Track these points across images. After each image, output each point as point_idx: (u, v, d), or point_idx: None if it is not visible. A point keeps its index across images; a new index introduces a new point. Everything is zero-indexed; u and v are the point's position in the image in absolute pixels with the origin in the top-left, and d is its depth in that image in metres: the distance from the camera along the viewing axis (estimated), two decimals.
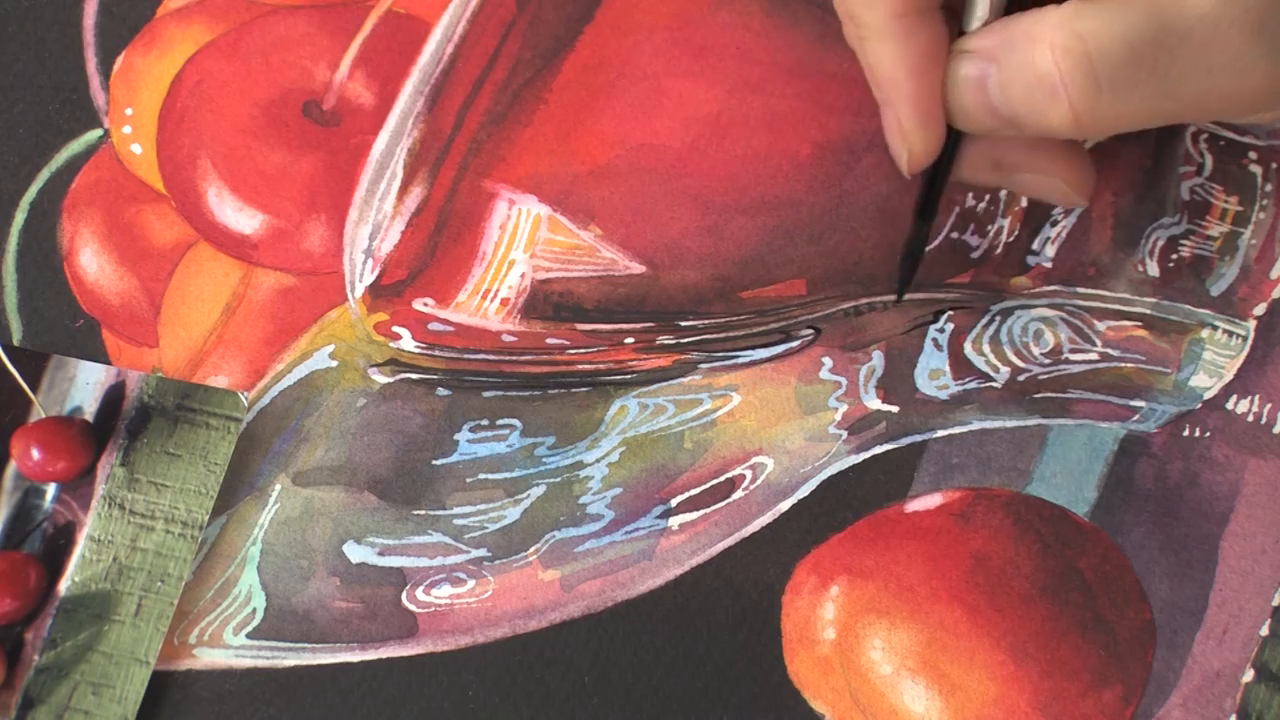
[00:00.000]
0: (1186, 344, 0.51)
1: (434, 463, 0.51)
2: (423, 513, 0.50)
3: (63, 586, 0.50)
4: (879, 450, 0.50)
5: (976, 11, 0.44)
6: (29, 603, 0.50)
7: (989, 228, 0.52)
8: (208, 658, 0.50)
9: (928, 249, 0.51)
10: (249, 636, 0.50)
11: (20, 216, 0.54)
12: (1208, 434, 0.50)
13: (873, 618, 0.49)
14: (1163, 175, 0.51)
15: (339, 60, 0.55)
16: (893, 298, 0.51)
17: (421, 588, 0.50)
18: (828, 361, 0.51)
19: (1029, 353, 0.51)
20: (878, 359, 0.51)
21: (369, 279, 0.52)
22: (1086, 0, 0.41)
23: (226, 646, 0.50)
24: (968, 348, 0.51)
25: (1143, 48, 0.40)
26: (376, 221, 0.53)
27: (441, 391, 0.51)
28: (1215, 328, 0.51)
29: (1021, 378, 0.51)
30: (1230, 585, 0.49)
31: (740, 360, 0.51)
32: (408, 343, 0.52)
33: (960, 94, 0.44)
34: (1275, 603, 0.48)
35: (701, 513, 0.50)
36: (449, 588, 0.50)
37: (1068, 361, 0.51)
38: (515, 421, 0.51)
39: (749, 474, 0.50)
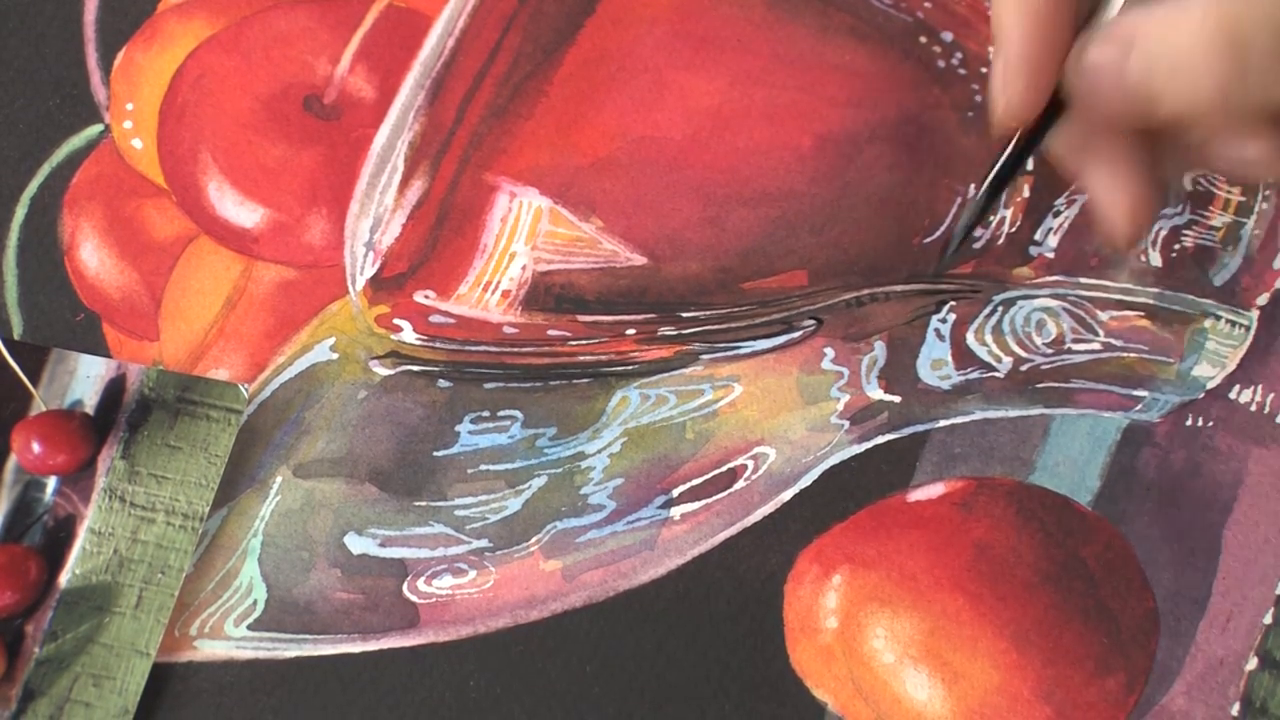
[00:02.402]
0: (1189, 334, 0.51)
1: (435, 454, 0.51)
2: (424, 504, 0.50)
3: (63, 579, 0.50)
4: (881, 440, 0.50)
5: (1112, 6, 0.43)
6: (29, 595, 0.50)
7: (991, 218, 0.52)
8: (209, 649, 0.50)
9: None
10: (250, 628, 0.50)
11: (21, 211, 0.54)
12: (1210, 423, 0.50)
13: (875, 607, 0.48)
14: None
15: (340, 54, 0.55)
16: (895, 288, 0.51)
17: (423, 578, 0.50)
18: (830, 352, 0.51)
19: (1032, 343, 0.51)
20: (880, 349, 0.51)
21: (370, 272, 0.52)
22: None
23: (227, 638, 0.50)
24: (970, 338, 0.51)
25: None
26: (377, 215, 0.53)
27: (443, 383, 0.51)
28: (1218, 317, 0.51)
29: (1024, 368, 0.51)
30: (1233, 574, 0.48)
31: (742, 351, 0.51)
32: (409, 335, 0.52)
33: (1091, 70, 0.43)
34: (1278, 591, 0.48)
35: (703, 503, 0.50)
36: (450, 578, 0.50)
37: (1070, 351, 0.51)
38: (516, 413, 0.51)
39: (751, 464, 0.50)
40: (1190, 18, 0.41)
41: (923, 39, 0.54)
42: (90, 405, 0.52)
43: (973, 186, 0.52)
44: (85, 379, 0.52)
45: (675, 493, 0.50)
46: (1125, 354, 0.51)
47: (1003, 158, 0.46)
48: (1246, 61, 0.40)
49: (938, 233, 0.52)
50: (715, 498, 0.50)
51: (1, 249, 0.54)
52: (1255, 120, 0.43)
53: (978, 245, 0.51)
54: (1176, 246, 0.51)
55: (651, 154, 0.53)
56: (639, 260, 0.52)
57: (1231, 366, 0.50)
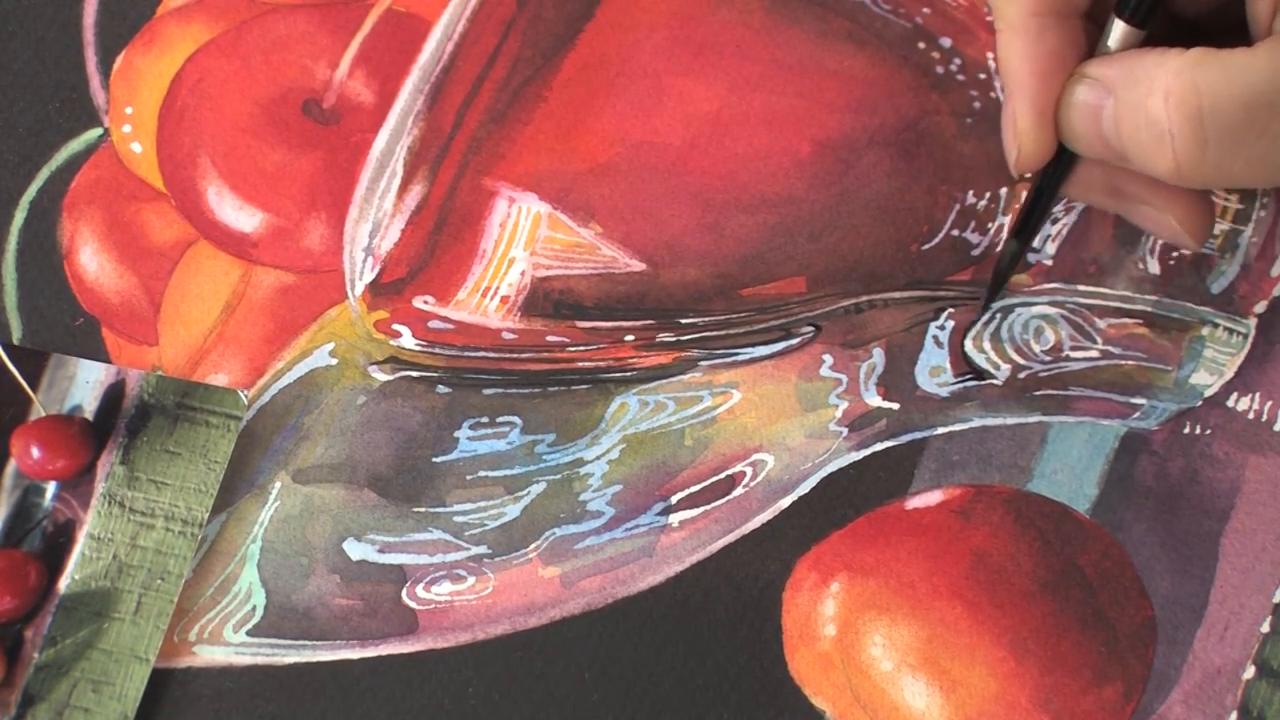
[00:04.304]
0: (1187, 341, 0.51)
1: (434, 460, 0.51)
2: (423, 510, 0.50)
3: (62, 584, 0.50)
4: (879, 447, 0.50)
5: (1110, 37, 0.44)
6: (29, 600, 0.50)
7: (989, 225, 0.52)
8: (208, 655, 0.50)
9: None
10: (249, 634, 0.50)
11: (20, 215, 0.54)
12: (1208, 431, 0.50)
13: (873, 614, 0.49)
14: None
15: (339, 59, 0.55)
16: (894, 294, 0.51)
17: (422, 585, 0.50)
18: (828, 359, 0.51)
19: (1030, 350, 0.51)
20: (878, 356, 0.51)
21: (369, 277, 0.52)
22: (1211, 50, 0.41)
23: (226, 644, 0.50)
24: (968, 345, 0.51)
25: (1258, 111, 0.40)
26: (377, 219, 0.53)
27: (442, 389, 0.51)
28: (1216, 325, 0.51)
29: (1022, 375, 0.51)
30: (1231, 582, 0.48)
31: (740, 357, 0.51)
32: (408, 340, 0.52)
33: (1073, 116, 0.43)
34: (1276, 599, 0.48)
35: (702, 509, 0.50)
36: (449, 585, 0.50)
37: (1068, 359, 0.51)
38: (515, 419, 0.51)
39: (749, 471, 0.50)
40: (1161, 85, 0.41)
41: (921, 45, 0.54)
42: (90, 410, 0.52)
43: (971, 194, 0.52)
44: (84, 384, 0.52)
45: (674, 499, 0.50)
46: (1123, 361, 0.51)
47: (1025, 206, 0.47)
48: (1207, 138, 0.40)
49: (936, 239, 0.52)
50: (714, 504, 0.50)
51: (1, 253, 0.54)
52: (1215, 186, 0.44)
53: (976, 253, 0.52)
54: (1174, 254, 0.51)
55: (650, 159, 0.53)
56: (638, 266, 0.52)
57: (1229, 374, 0.50)
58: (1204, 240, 0.46)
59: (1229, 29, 0.44)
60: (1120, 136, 0.42)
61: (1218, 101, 0.40)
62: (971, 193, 0.52)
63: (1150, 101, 0.41)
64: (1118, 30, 0.43)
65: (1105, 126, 0.42)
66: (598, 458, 0.51)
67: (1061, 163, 0.45)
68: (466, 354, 0.52)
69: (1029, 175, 0.49)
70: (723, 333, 0.51)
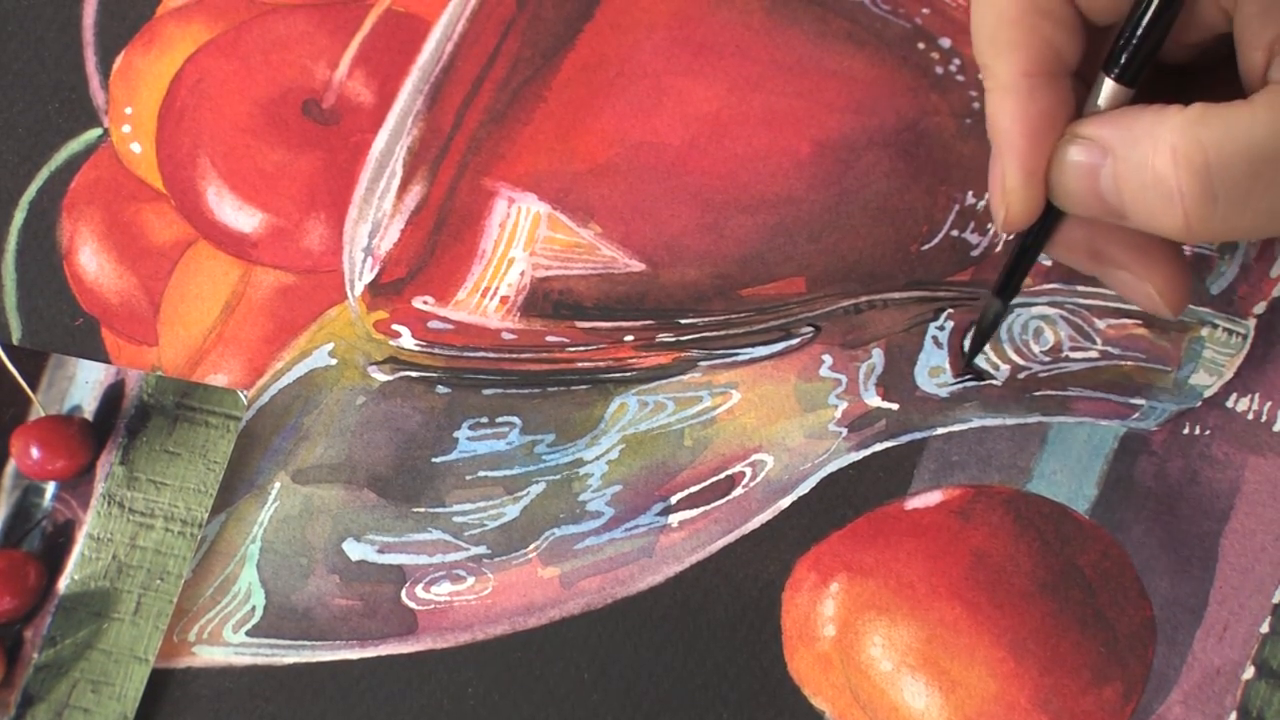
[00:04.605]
0: (1186, 342, 0.51)
1: (434, 460, 0.51)
2: (422, 510, 0.50)
3: (62, 584, 0.50)
4: (879, 447, 0.50)
5: (1100, 97, 0.43)
6: (28, 601, 0.50)
7: (989, 226, 0.52)
8: (207, 655, 0.50)
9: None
10: (248, 634, 0.50)
11: (20, 215, 0.54)
12: (1208, 432, 0.50)
13: (873, 614, 0.49)
14: None
15: (338, 59, 0.55)
16: (893, 295, 0.51)
17: (421, 585, 0.50)
18: (827, 359, 0.51)
19: (1029, 350, 0.51)
20: (877, 356, 0.51)
21: (368, 277, 0.52)
22: (1211, 105, 0.41)
23: (226, 644, 0.50)
24: (968, 345, 0.51)
25: (1262, 165, 0.40)
26: (376, 220, 0.53)
27: (441, 389, 0.51)
28: (1215, 326, 0.51)
29: (1022, 375, 0.51)
30: (1230, 582, 0.48)
31: (740, 358, 0.51)
32: (407, 340, 0.52)
33: (1067, 177, 0.43)
34: (1275, 600, 0.48)
35: (701, 510, 0.50)
36: (448, 585, 0.50)
37: (1068, 359, 0.51)
38: (515, 419, 0.51)
39: (749, 471, 0.50)
40: (1166, 144, 0.41)
41: (920, 45, 0.54)
42: (89, 411, 0.52)
43: (970, 195, 0.52)
44: (84, 384, 0.52)
45: (673, 500, 0.50)
46: (1123, 362, 0.51)
47: (1008, 264, 0.47)
48: (1215, 194, 0.40)
49: (936, 239, 0.52)
50: (713, 505, 0.50)
51: (0, 253, 0.54)
52: (1222, 239, 0.43)
53: (976, 254, 0.52)
54: None
55: (650, 159, 0.53)
56: (637, 266, 0.52)
57: (1229, 375, 0.50)
58: (1180, 311, 0.46)
59: (1211, 72, 0.44)
60: (1121, 196, 0.42)
61: (1223, 157, 0.40)
62: (971, 193, 0.52)
63: (1156, 160, 0.40)
64: (1107, 89, 0.43)
65: (1104, 186, 0.42)
66: (597, 458, 0.51)
67: (1047, 222, 0.45)
68: (466, 354, 0.52)
69: (1012, 236, 0.49)
70: (722, 333, 0.51)
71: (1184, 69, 0.46)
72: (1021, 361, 0.51)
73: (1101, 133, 0.42)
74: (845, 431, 0.50)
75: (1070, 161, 0.43)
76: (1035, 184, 0.44)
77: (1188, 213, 0.41)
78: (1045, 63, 0.43)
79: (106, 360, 0.52)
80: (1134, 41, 0.42)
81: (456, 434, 0.51)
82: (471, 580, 0.50)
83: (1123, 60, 0.42)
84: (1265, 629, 0.48)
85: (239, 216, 0.53)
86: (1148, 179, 0.41)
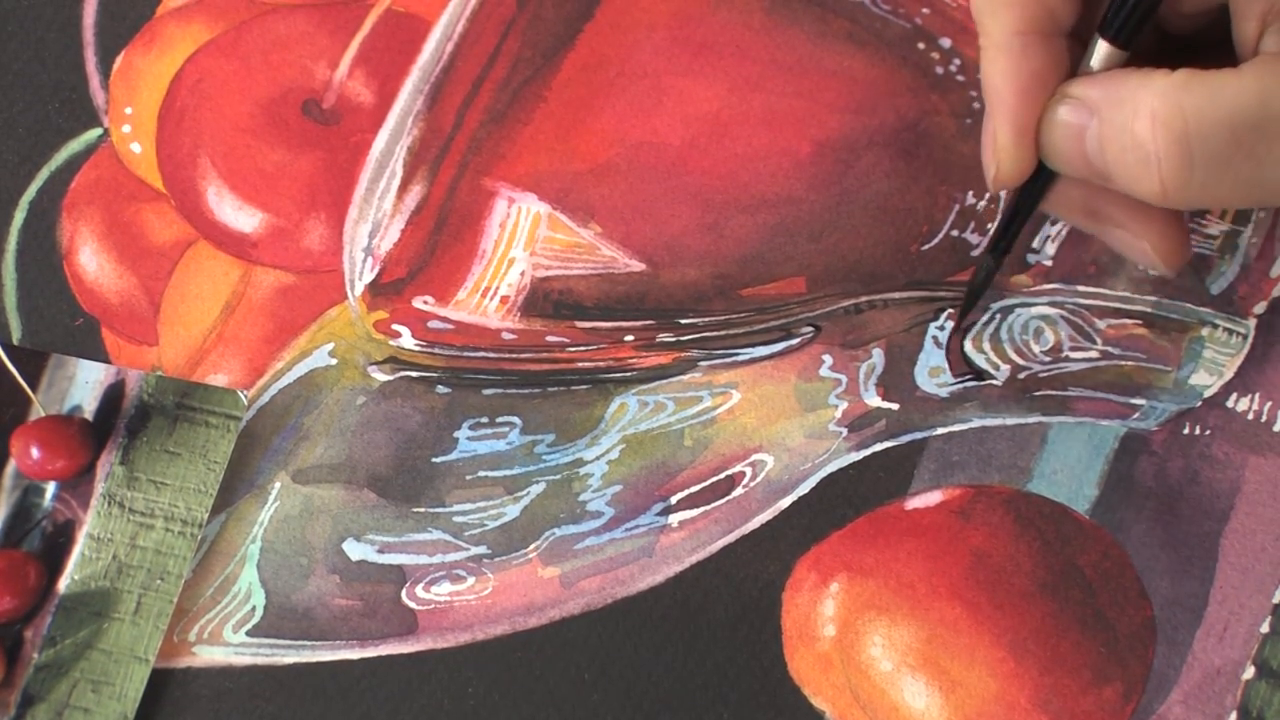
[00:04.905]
0: (1187, 342, 0.51)
1: (434, 460, 0.51)
2: (422, 510, 0.50)
3: (62, 584, 0.50)
4: (879, 447, 0.50)
5: (1093, 58, 0.43)
6: (28, 601, 0.50)
7: (989, 225, 0.52)
8: (207, 655, 0.50)
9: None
10: (248, 634, 0.50)
11: (20, 215, 0.54)
12: (1208, 432, 0.50)
13: (873, 614, 0.49)
14: None
15: (339, 59, 0.55)
16: (893, 295, 0.51)
17: (421, 585, 0.50)
18: (828, 359, 0.51)
19: (1029, 350, 0.51)
20: (878, 356, 0.51)
21: (369, 277, 0.52)
22: (1197, 71, 0.40)
23: (226, 644, 0.50)
24: (968, 345, 0.51)
25: (1244, 133, 0.40)
26: (376, 220, 0.53)
27: (441, 389, 0.51)
28: (1215, 326, 0.51)
29: (1022, 375, 0.51)
30: (1231, 582, 0.48)
31: (740, 358, 0.51)
32: (407, 340, 0.52)
33: (1055, 136, 0.43)
34: (1275, 600, 0.48)
35: (701, 510, 0.50)
36: (449, 585, 0.50)
37: (1068, 359, 0.51)
38: (515, 419, 0.51)
39: (749, 471, 0.50)
40: (1146, 107, 0.40)
41: (920, 45, 0.54)
42: (89, 411, 0.52)
43: (970, 194, 0.52)
44: (84, 384, 0.52)
45: (673, 500, 0.50)
46: (1123, 362, 0.51)
47: (1001, 221, 0.47)
48: (1193, 161, 0.40)
49: (936, 239, 0.52)
50: (713, 505, 0.50)
51: (0, 253, 0.54)
52: (1200, 207, 0.43)
53: (976, 254, 0.52)
54: None
55: (650, 159, 0.53)
56: (637, 266, 0.52)
57: (1229, 375, 0.50)
58: (1178, 268, 0.46)
59: (1214, 46, 0.44)
60: (1104, 157, 0.42)
61: (1203, 124, 0.40)
62: (971, 193, 0.52)
63: (1136, 124, 0.41)
64: (1101, 50, 0.43)
65: (1089, 147, 0.42)
66: (597, 458, 0.51)
67: (1040, 181, 0.45)
68: (466, 354, 0.52)
69: (1005, 193, 0.49)
70: (722, 333, 0.51)
71: (1189, 42, 0.46)
72: (1022, 361, 0.51)
73: (1089, 93, 0.42)
74: (845, 431, 0.50)
75: (1058, 121, 0.43)
76: (1025, 142, 0.44)
77: (1164, 178, 0.41)
78: (1038, 21, 0.43)
79: (106, 360, 0.52)
80: (1128, 1, 0.42)
81: (456, 434, 0.51)
82: (472, 580, 0.50)
83: (1116, 21, 0.43)
84: (1265, 629, 0.48)
85: (239, 216, 0.53)
86: (1128, 142, 0.41)
